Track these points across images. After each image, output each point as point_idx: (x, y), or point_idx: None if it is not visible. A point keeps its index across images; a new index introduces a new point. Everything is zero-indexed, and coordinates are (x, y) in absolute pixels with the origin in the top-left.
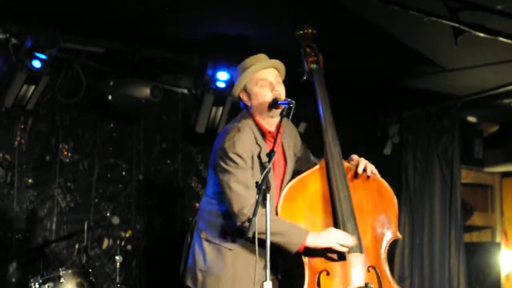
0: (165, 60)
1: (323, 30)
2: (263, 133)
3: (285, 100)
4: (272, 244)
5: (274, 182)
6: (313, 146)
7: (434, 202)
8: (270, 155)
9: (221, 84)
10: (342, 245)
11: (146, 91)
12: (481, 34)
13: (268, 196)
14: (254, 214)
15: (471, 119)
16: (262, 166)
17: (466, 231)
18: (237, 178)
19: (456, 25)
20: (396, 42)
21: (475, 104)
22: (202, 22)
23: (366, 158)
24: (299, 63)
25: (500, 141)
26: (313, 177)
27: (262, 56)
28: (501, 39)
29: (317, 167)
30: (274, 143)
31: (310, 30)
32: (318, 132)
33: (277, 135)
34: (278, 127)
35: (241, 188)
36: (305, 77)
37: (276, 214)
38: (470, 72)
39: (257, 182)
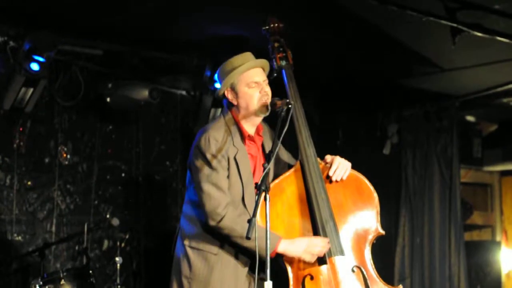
0: (163, 62)
1: (322, 31)
2: (243, 135)
3: (284, 101)
4: (243, 248)
5: (254, 185)
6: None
7: (433, 201)
8: (268, 156)
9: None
10: (312, 254)
11: (144, 93)
12: (479, 34)
13: (268, 197)
14: (254, 215)
15: (470, 118)
16: (238, 168)
17: (466, 230)
18: (210, 179)
19: (454, 24)
20: (394, 42)
21: (474, 103)
22: (200, 23)
23: (365, 158)
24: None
25: (499, 140)
26: (289, 181)
27: (249, 55)
28: (499, 38)
29: (292, 170)
30: (273, 145)
31: (277, 24)
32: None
33: (278, 134)
34: (281, 127)
35: (213, 189)
36: (275, 75)
37: None
38: (469, 71)
39: (256, 183)
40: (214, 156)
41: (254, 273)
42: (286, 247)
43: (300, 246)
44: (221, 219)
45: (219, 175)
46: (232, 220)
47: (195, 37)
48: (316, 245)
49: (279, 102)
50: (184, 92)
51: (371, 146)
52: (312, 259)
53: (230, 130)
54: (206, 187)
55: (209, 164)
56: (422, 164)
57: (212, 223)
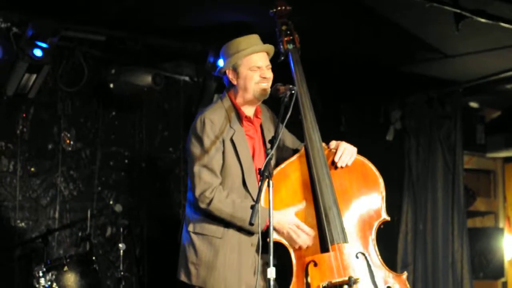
0: (166, 48)
1: (326, 16)
2: (240, 116)
3: (287, 86)
4: (235, 226)
5: (255, 168)
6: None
7: (437, 188)
8: (272, 141)
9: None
10: (296, 240)
11: (148, 79)
12: (483, 20)
13: (271, 183)
14: (257, 201)
15: (473, 104)
16: (236, 150)
17: (469, 217)
18: (202, 161)
19: (458, 11)
20: (398, 28)
21: (477, 89)
22: (203, 9)
23: (368, 144)
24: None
25: (502, 126)
26: (294, 166)
27: (255, 38)
28: (503, 24)
29: (297, 155)
30: (276, 130)
31: (284, 7)
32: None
33: (281, 121)
34: (284, 112)
35: (204, 171)
36: (281, 58)
37: None
38: (472, 57)
39: (259, 169)
40: (208, 138)
41: (259, 256)
42: (277, 218)
43: (291, 222)
44: (210, 202)
45: (210, 157)
46: (220, 201)
47: (198, 23)
48: (302, 234)
49: (282, 88)
50: (187, 78)
51: (374, 132)
52: (298, 243)
53: (228, 112)
54: (197, 168)
55: (202, 146)
56: (425, 151)
57: (202, 205)
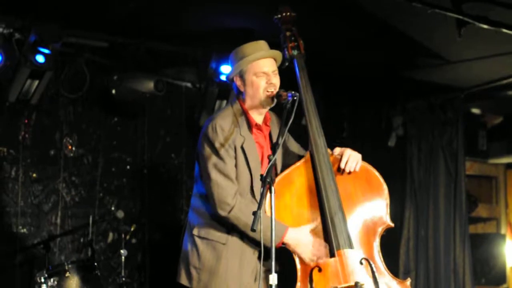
0: (168, 54)
1: (327, 22)
2: (250, 124)
3: (289, 93)
4: (250, 237)
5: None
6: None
7: (438, 194)
8: (274, 148)
9: (225, 78)
10: (313, 255)
11: (150, 85)
12: (485, 26)
13: (273, 189)
14: (259, 207)
15: (475, 110)
16: (246, 157)
17: (471, 223)
18: (217, 167)
19: (460, 17)
20: (400, 34)
21: (479, 95)
22: (205, 15)
23: (370, 151)
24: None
25: (504, 132)
26: (299, 172)
27: (262, 44)
28: (505, 30)
29: (302, 160)
30: (279, 136)
31: (289, 13)
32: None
33: (283, 127)
34: (286, 118)
35: (221, 177)
36: (286, 64)
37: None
38: (474, 63)
39: (261, 175)
40: (221, 145)
41: (261, 263)
42: (294, 239)
43: (306, 241)
44: (231, 209)
45: (226, 164)
46: (241, 210)
47: (200, 29)
48: (319, 250)
49: (284, 94)
50: (189, 84)
51: (376, 138)
52: (308, 259)
53: (237, 119)
54: (214, 175)
55: (216, 152)
56: (427, 157)
57: (222, 213)
